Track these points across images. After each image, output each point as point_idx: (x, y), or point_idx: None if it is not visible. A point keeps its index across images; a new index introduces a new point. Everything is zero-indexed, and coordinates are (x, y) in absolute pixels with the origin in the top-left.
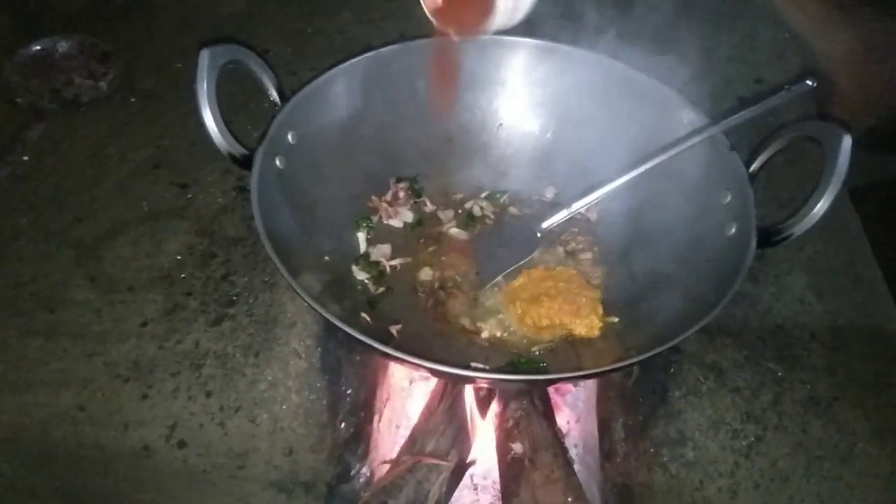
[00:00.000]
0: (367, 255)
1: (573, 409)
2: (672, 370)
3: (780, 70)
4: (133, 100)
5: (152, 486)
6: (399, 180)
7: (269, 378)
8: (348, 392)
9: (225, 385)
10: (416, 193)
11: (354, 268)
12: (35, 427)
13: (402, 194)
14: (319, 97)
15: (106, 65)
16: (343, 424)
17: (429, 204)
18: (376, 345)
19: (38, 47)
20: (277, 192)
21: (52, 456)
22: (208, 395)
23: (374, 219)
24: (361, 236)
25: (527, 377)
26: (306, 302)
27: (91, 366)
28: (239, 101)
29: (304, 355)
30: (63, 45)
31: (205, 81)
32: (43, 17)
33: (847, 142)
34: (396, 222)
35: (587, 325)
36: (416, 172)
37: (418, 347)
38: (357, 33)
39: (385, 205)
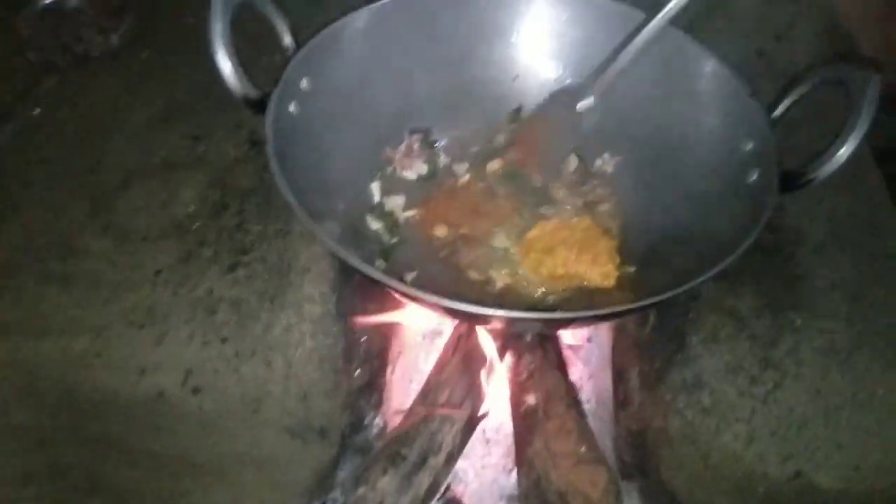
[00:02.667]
0: (381, 205)
1: (586, 364)
2: (690, 315)
3: (800, 26)
4: (145, 54)
5: (167, 432)
6: (413, 132)
7: (284, 322)
8: (363, 339)
9: (239, 330)
10: (429, 145)
11: (368, 217)
12: (51, 373)
13: (416, 146)
14: (335, 42)
15: (117, 19)
16: (357, 371)
17: (443, 156)
18: (393, 283)
19: (49, 1)
20: (291, 139)
21: (69, 402)
22: (223, 340)
23: (389, 169)
24: (375, 186)
25: (542, 315)
26: (324, 243)
27: (106, 313)
28: (250, 57)
29: (318, 300)
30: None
31: (219, 23)
32: None
33: (875, 82)
34: (410, 174)
35: (603, 273)
36: (431, 124)
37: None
38: None
39: (399, 156)
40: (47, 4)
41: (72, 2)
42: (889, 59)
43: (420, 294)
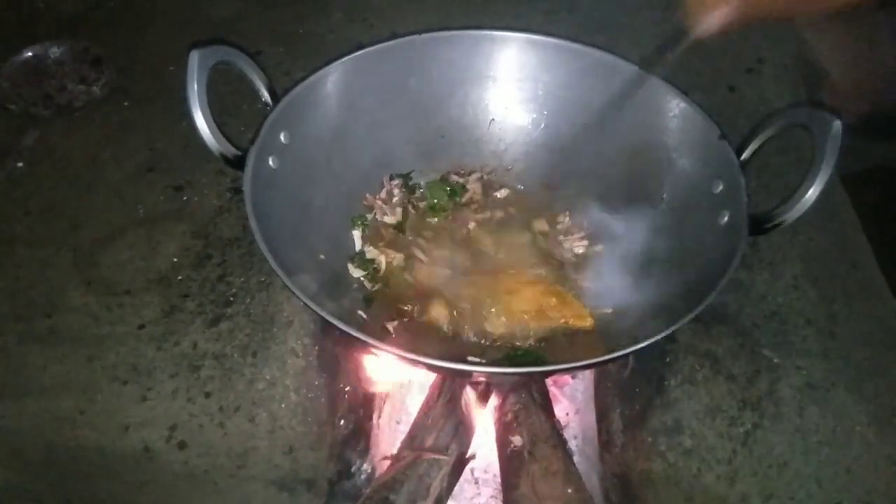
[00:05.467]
0: (362, 252)
1: (572, 401)
2: (668, 359)
3: (770, 59)
4: (126, 104)
5: (154, 488)
6: (393, 177)
7: (268, 377)
8: (347, 389)
9: (223, 385)
10: (410, 190)
11: (350, 266)
12: (36, 432)
13: (396, 191)
14: (311, 96)
15: (98, 70)
16: (342, 421)
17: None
18: (372, 341)
19: (30, 54)
20: (271, 192)
21: (54, 461)
22: (207, 395)
23: (370, 217)
24: (357, 234)
25: (522, 370)
26: (301, 300)
27: (90, 369)
28: (232, 103)
29: (301, 354)
30: (55, 51)
31: (195, 83)
32: (34, 24)
33: (837, 127)
34: (391, 219)
35: (575, 314)
36: (410, 169)
37: (415, 343)
38: (349, 32)
39: (380, 202)
40: (28, 57)
41: (53, 54)
42: (857, 85)
43: (397, 351)
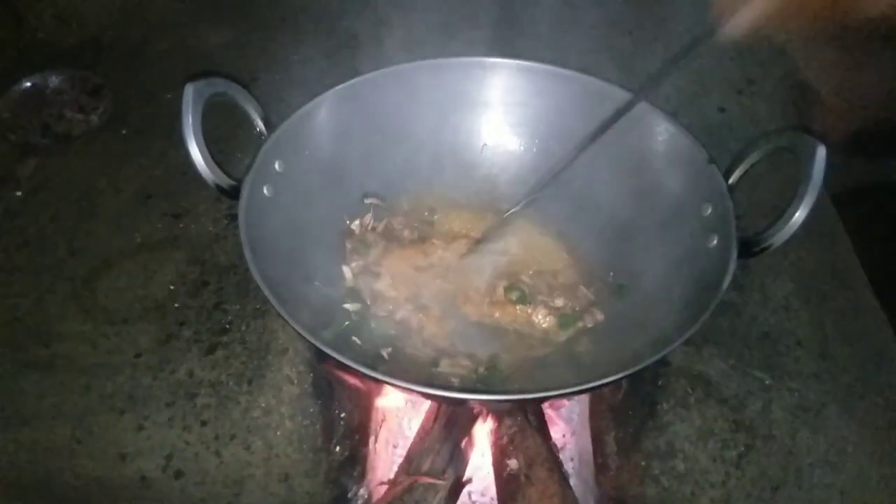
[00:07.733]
0: (354, 281)
1: (568, 423)
2: (660, 382)
3: (760, 80)
4: (124, 132)
5: None
6: (367, 195)
7: (263, 405)
8: (342, 415)
9: (219, 413)
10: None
11: (343, 293)
12: (32, 462)
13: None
14: (305, 125)
15: (97, 98)
16: (338, 448)
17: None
18: (365, 370)
19: (29, 83)
20: (266, 221)
21: (50, 491)
22: (203, 424)
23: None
24: (347, 270)
25: (515, 396)
26: (295, 329)
27: (87, 398)
28: (229, 128)
29: (296, 381)
30: (54, 80)
31: (190, 115)
32: (33, 54)
33: (821, 152)
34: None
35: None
36: (401, 195)
37: (409, 369)
38: (344, 58)
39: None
40: (27, 86)
41: (52, 83)
42: (848, 105)
43: (390, 380)
